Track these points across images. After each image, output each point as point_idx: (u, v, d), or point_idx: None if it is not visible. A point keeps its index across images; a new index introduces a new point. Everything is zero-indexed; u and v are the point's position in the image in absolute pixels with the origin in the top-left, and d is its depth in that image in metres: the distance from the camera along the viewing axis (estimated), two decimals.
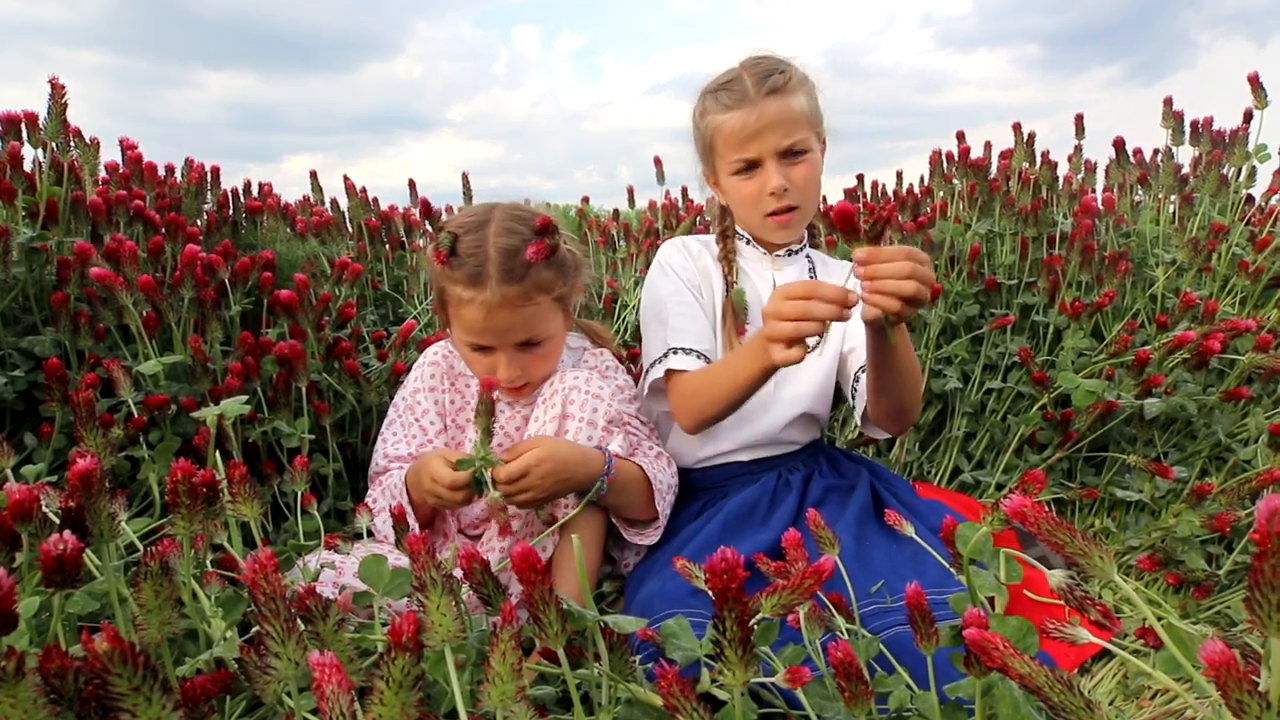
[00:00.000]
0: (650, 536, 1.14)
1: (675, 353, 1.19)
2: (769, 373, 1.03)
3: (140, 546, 0.86)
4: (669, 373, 1.19)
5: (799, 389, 1.26)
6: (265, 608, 0.46)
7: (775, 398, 1.25)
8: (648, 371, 1.22)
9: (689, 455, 1.27)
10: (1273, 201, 1.91)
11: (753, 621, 0.60)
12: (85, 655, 0.39)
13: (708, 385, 1.13)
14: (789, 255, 1.31)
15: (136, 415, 1.13)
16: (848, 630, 0.72)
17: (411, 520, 1.07)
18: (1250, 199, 2.00)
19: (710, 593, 0.51)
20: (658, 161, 2.38)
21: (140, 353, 1.24)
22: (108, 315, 1.27)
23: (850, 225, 0.79)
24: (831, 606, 0.75)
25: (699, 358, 1.19)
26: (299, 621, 0.53)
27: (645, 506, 1.12)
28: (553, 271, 1.10)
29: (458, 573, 0.72)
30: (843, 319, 0.85)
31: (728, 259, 1.29)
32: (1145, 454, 1.49)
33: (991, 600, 0.68)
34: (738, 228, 1.31)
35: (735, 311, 1.25)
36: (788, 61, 1.21)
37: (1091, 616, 0.61)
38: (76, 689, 0.46)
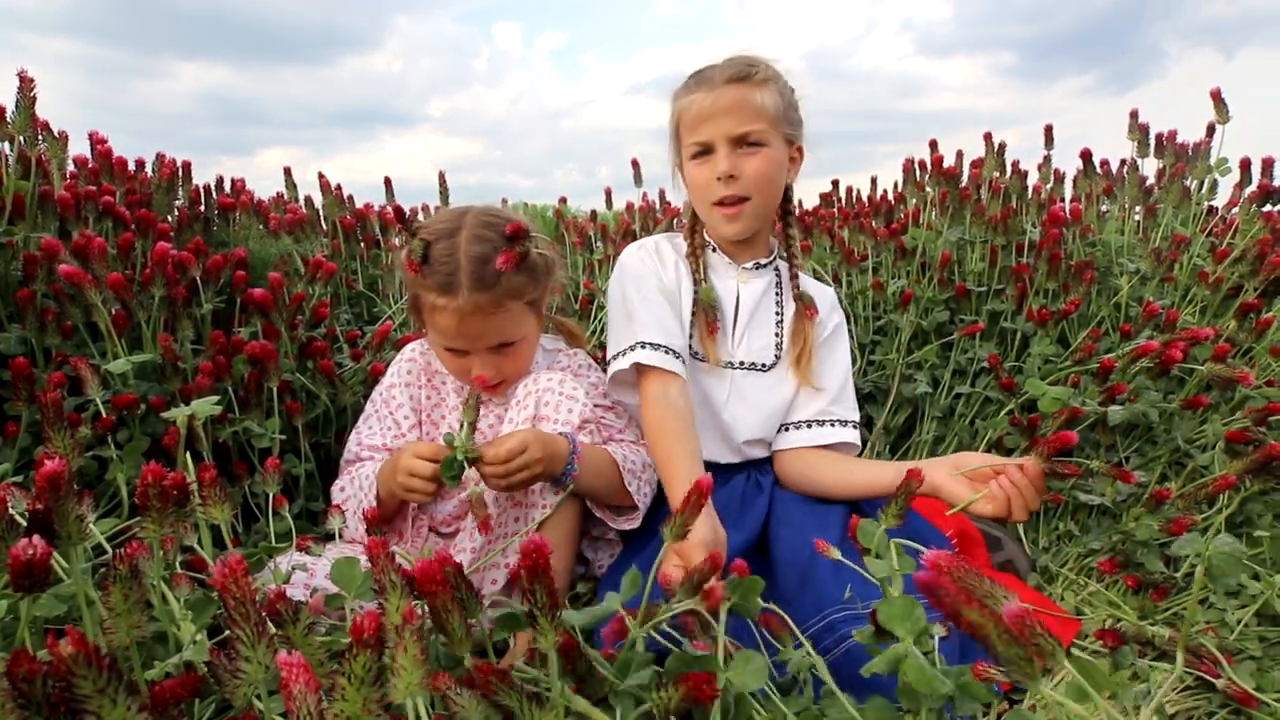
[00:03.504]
0: (634, 520, 1.15)
1: (642, 346, 1.16)
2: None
3: (108, 548, 0.86)
4: (639, 367, 1.16)
5: (748, 419, 1.26)
6: (235, 611, 0.46)
7: (724, 423, 1.26)
8: (611, 362, 1.20)
9: None
10: (1233, 213, 1.97)
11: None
12: (51, 658, 0.39)
13: (654, 436, 1.12)
14: (756, 269, 1.30)
15: (105, 415, 1.12)
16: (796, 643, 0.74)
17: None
18: (1212, 210, 2.06)
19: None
20: (635, 164, 2.39)
21: (109, 351, 1.22)
22: (75, 313, 1.26)
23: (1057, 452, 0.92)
24: (789, 619, 0.76)
25: (667, 353, 1.16)
26: (269, 625, 0.53)
27: (620, 491, 1.13)
28: (524, 277, 1.11)
29: None
30: None
31: (695, 254, 1.28)
32: (1107, 459, 1.52)
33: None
34: (706, 235, 1.31)
35: (705, 310, 1.24)
36: (764, 61, 1.20)
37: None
38: (45, 693, 0.46)
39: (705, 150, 1.19)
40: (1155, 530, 1.27)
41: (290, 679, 0.43)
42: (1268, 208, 1.87)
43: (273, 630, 0.54)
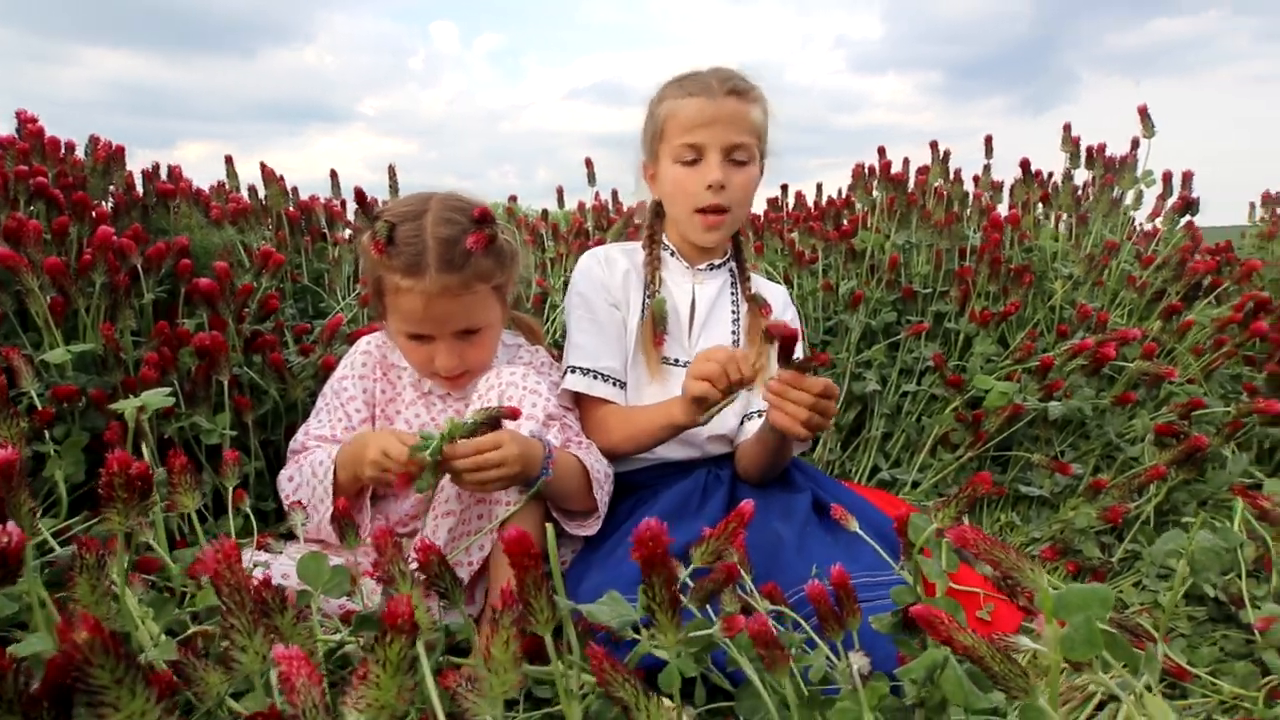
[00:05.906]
0: (590, 527, 1.15)
1: (572, 371, 1.23)
2: (678, 429, 1.15)
3: (56, 546, 0.81)
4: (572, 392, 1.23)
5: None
6: (229, 599, 0.45)
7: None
8: (562, 376, 1.25)
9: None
10: (1156, 223, 2.09)
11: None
12: (66, 647, 0.37)
13: (623, 424, 1.20)
14: (710, 270, 1.32)
15: (42, 408, 1.05)
16: (777, 613, 0.75)
17: (326, 503, 1.04)
18: (1133, 221, 2.18)
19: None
20: (589, 163, 2.39)
21: (46, 341, 1.16)
22: (5, 299, 1.18)
23: (787, 349, 0.92)
24: (758, 593, 0.77)
25: (595, 377, 1.22)
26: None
27: (584, 496, 1.12)
28: (491, 260, 1.10)
29: (412, 565, 0.71)
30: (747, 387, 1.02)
31: (653, 265, 1.29)
32: (1046, 453, 1.60)
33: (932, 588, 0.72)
34: (664, 238, 1.32)
35: (655, 321, 1.25)
36: (751, 78, 1.25)
37: (1020, 603, 0.66)
38: (16, 690, 0.43)
39: (695, 155, 1.21)
40: (1093, 518, 1.34)
41: (291, 672, 0.41)
42: (1187, 218, 2.00)
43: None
